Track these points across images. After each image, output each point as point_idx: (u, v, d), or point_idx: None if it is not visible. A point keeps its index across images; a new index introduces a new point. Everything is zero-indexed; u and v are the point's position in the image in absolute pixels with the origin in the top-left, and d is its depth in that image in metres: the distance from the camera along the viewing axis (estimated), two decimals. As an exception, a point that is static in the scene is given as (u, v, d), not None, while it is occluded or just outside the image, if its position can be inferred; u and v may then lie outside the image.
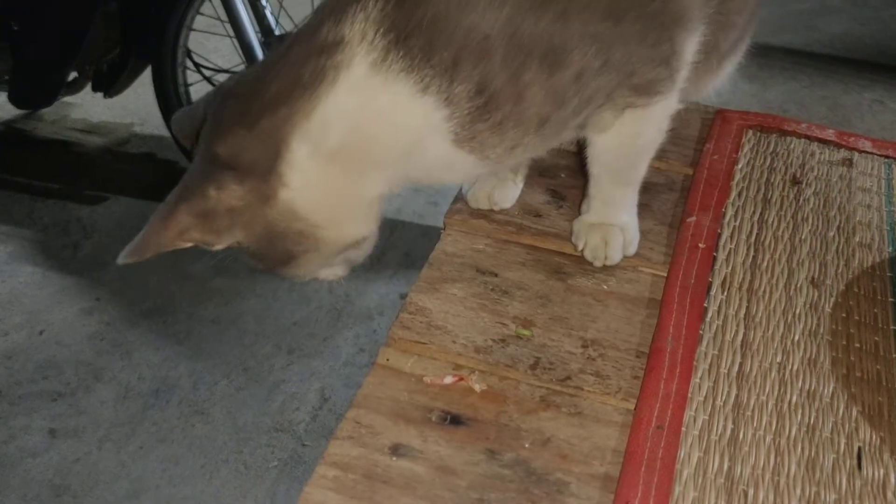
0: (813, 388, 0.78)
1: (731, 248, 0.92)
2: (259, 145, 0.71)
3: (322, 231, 0.76)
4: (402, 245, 2.37)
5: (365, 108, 0.71)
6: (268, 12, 2.23)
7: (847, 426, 0.75)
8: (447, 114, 0.71)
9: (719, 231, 0.94)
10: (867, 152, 1.11)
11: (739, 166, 1.05)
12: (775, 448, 0.72)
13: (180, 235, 0.73)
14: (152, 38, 2.24)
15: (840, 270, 0.91)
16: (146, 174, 2.62)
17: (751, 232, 0.95)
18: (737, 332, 0.83)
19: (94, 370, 2.02)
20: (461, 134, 0.73)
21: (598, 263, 0.90)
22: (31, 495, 1.77)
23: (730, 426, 0.73)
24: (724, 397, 0.76)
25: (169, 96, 2.28)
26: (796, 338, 0.83)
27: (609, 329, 0.83)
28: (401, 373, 0.77)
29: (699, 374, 0.78)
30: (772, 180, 1.03)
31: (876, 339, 0.84)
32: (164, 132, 2.52)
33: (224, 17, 2.21)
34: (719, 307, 0.85)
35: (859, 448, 0.73)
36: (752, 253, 0.92)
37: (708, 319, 0.83)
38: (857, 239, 0.96)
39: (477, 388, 0.76)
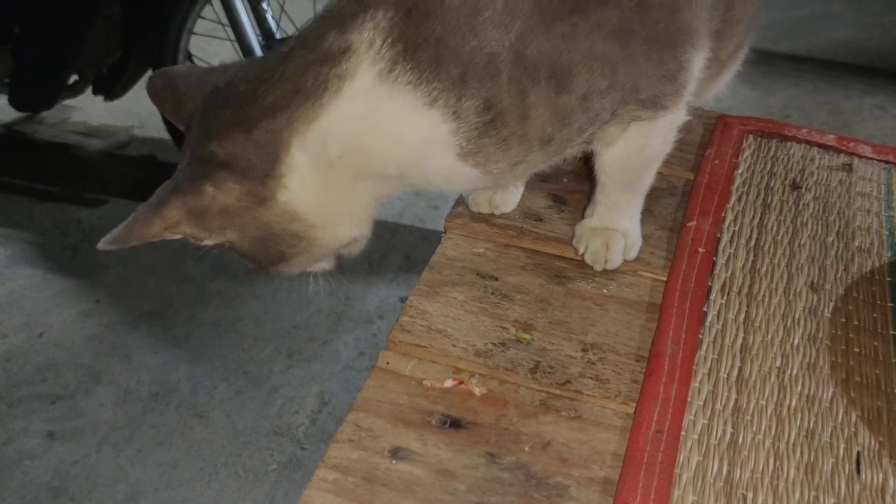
0: (812, 392, 0.78)
1: (730, 253, 0.92)
2: (258, 149, 0.71)
3: (317, 232, 0.76)
4: (402, 248, 2.38)
5: (368, 118, 0.71)
6: (269, 16, 2.23)
7: (846, 430, 0.75)
8: (454, 128, 0.71)
9: (719, 235, 0.94)
10: (867, 157, 1.11)
11: (740, 171, 1.05)
12: (774, 452, 0.72)
13: (169, 228, 0.73)
14: (153, 42, 2.24)
15: (839, 275, 0.91)
16: (146, 177, 2.62)
17: (750, 236, 0.95)
18: (736, 336, 0.83)
19: (93, 373, 2.02)
20: (466, 148, 0.73)
21: (598, 267, 0.90)
22: (30, 498, 1.77)
23: (729, 430, 0.74)
24: (723, 401, 0.76)
25: (169, 100, 2.28)
26: (795, 342, 0.83)
27: (609, 333, 0.83)
28: (401, 376, 0.77)
29: (699, 379, 0.78)
30: (772, 185, 1.04)
31: (875, 343, 0.84)
32: (164, 135, 2.52)
33: (225, 20, 2.21)
34: (719, 311, 0.85)
35: (858, 452, 0.73)
36: (751, 257, 0.92)
37: (707, 323, 0.83)
38: (857, 244, 0.96)
39: (477, 391, 0.76)
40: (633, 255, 0.91)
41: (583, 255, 0.91)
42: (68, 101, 2.62)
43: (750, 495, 0.68)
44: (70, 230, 2.42)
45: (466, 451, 0.71)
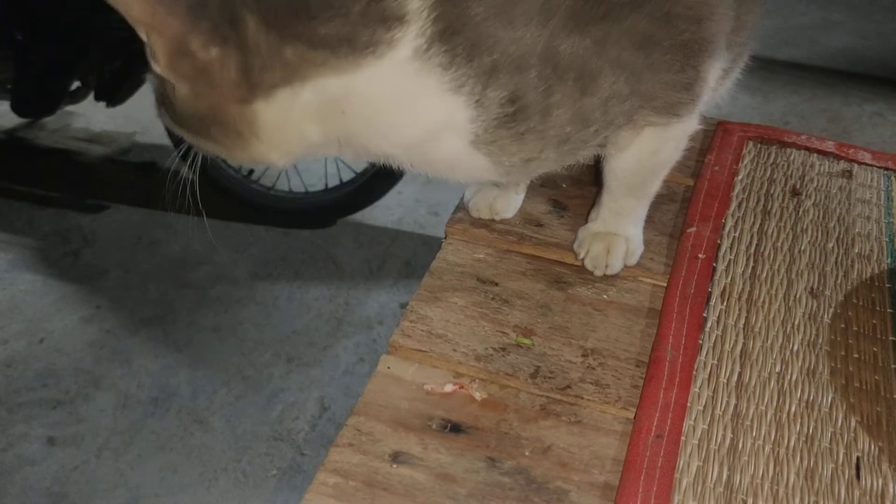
0: (812, 398, 0.78)
1: (730, 259, 0.92)
2: (280, 63, 0.67)
3: (256, 144, 0.72)
4: (402, 255, 2.38)
5: (391, 90, 0.69)
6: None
7: (846, 436, 0.75)
8: (473, 115, 0.71)
9: (719, 242, 0.94)
10: (867, 164, 1.11)
11: (740, 177, 1.05)
12: (774, 458, 0.72)
13: (155, 20, 0.66)
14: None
15: (839, 281, 0.91)
16: (147, 183, 2.62)
17: (750, 243, 0.95)
18: (736, 342, 0.83)
19: (94, 378, 2.03)
20: (482, 136, 0.73)
21: (598, 272, 0.90)
22: (30, 503, 1.77)
23: (729, 435, 0.74)
24: (723, 407, 0.76)
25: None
26: (795, 348, 0.83)
27: (609, 338, 0.83)
28: (401, 381, 0.77)
29: (698, 384, 0.78)
30: (771, 191, 1.04)
31: (875, 349, 0.84)
32: (166, 142, 2.52)
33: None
34: (719, 317, 0.85)
35: (858, 458, 0.73)
36: (751, 263, 0.92)
37: (707, 329, 0.84)
38: (857, 250, 0.96)
39: (477, 396, 0.76)
40: (633, 261, 0.92)
41: (583, 259, 0.91)
42: (70, 108, 2.63)
43: (750, 500, 0.69)
44: (71, 236, 2.42)
45: (467, 456, 0.71)
